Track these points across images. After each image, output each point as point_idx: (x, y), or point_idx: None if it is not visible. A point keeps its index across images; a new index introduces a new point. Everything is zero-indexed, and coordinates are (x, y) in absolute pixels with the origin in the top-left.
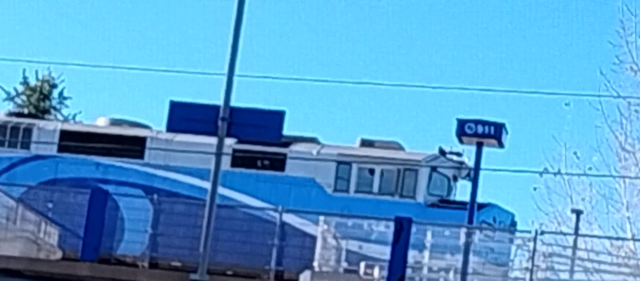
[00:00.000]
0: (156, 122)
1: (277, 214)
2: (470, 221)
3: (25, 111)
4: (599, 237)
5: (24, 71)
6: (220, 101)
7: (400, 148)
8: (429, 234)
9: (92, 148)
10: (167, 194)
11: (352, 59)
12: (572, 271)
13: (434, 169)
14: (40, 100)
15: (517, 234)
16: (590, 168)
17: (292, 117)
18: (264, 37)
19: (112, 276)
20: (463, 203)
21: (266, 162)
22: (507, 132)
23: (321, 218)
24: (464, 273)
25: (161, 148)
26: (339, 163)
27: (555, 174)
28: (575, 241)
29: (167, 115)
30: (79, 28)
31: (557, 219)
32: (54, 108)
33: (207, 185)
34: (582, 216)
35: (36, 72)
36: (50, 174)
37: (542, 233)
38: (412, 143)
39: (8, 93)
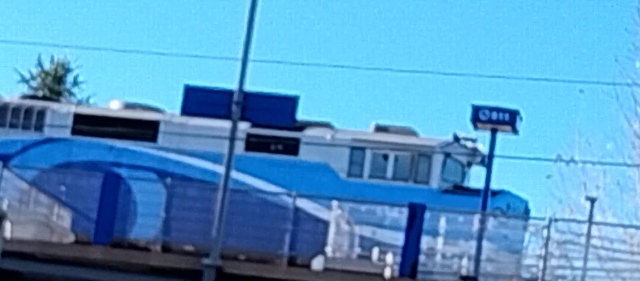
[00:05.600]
0: (170, 105)
1: (290, 199)
2: (484, 207)
3: (40, 93)
4: (613, 225)
5: (39, 54)
6: (234, 86)
7: (415, 134)
8: (442, 220)
9: (106, 131)
10: (180, 178)
11: (367, 44)
12: (585, 259)
13: (448, 155)
14: (55, 83)
15: (531, 221)
16: (602, 156)
17: (306, 102)
18: (279, 22)
19: (125, 260)
20: (477, 190)
21: (280, 146)
22: (521, 119)
23: (334, 203)
24: (477, 259)
25: (174, 132)
26: (353, 148)
27: (568, 161)
28: (588, 229)
29: (181, 99)
30: (93, 12)
31: (571, 207)
32: (68, 91)
33: (221, 169)
34: (596, 204)
35: (52, 56)
36: (64, 157)
37: (556, 220)
38: (427, 128)
39: (22, 76)
